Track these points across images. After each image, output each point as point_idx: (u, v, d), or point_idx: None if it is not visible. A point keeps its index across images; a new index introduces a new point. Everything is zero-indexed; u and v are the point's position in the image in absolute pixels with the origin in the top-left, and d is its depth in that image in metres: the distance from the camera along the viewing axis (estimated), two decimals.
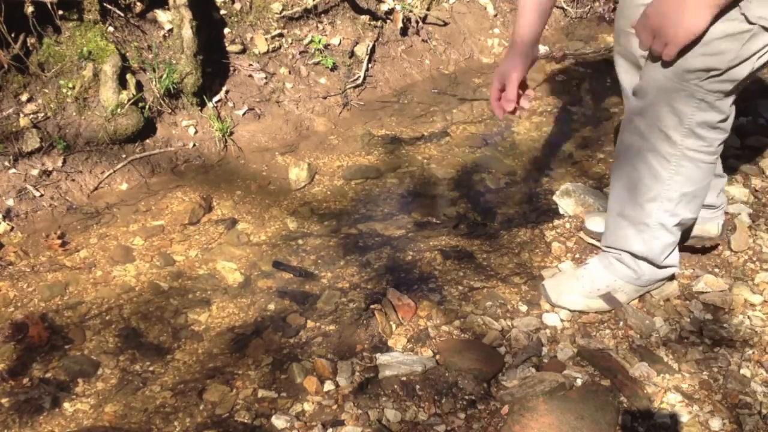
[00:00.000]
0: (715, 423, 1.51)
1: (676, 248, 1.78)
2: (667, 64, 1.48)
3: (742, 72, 1.48)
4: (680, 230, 1.73)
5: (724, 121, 1.57)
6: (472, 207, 2.37)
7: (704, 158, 1.60)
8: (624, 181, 1.71)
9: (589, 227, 2.06)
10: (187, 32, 2.64)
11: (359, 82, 3.09)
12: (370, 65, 3.17)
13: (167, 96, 2.64)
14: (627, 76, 1.75)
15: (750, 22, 1.41)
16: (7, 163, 2.31)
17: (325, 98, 2.99)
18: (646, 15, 1.46)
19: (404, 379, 1.65)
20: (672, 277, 1.87)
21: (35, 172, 2.34)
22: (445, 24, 3.46)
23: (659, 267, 1.76)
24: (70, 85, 2.50)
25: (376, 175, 2.56)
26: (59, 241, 2.15)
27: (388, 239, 2.20)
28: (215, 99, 2.76)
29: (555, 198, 2.26)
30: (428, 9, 3.44)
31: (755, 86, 3.03)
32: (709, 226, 1.91)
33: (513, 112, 1.71)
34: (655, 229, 1.69)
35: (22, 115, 2.39)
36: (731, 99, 1.55)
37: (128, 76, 2.56)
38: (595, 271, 1.84)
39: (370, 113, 2.98)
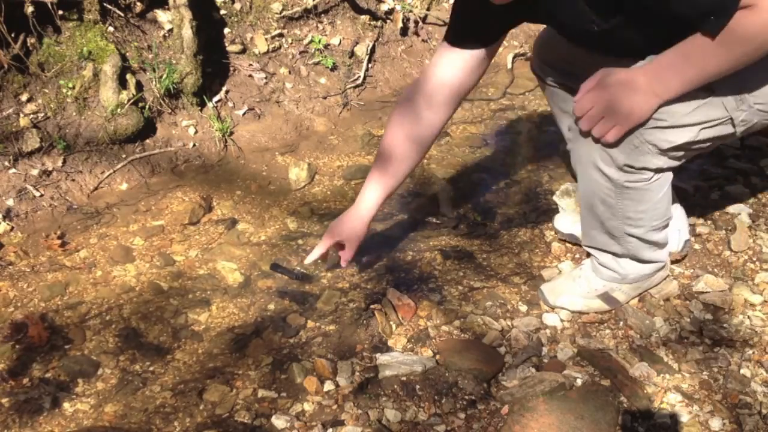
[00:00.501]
0: (715, 423, 1.51)
1: (663, 245, 1.78)
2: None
3: (682, 137, 1.47)
4: (655, 234, 1.71)
5: (653, 170, 1.54)
6: (472, 207, 2.37)
7: (645, 186, 1.57)
8: (584, 202, 1.70)
9: (557, 227, 2.08)
10: (187, 32, 2.64)
11: (359, 82, 3.09)
12: (370, 65, 3.17)
13: (167, 96, 2.64)
14: (558, 110, 1.76)
15: (710, 90, 1.42)
16: (7, 163, 2.31)
17: (325, 98, 2.99)
18: (593, 97, 1.44)
19: (404, 379, 1.65)
20: (668, 274, 1.88)
21: (35, 172, 2.34)
22: (445, 24, 3.46)
23: (644, 262, 1.76)
24: (70, 85, 2.50)
25: None
26: (58, 242, 2.15)
27: (388, 239, 2.20)
28: (215, 99, 2.76)
29: (555, 198, 2.26)
30: (428, 9, 3.44)
31: None
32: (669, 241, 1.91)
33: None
34: (624, 238, 1.70)
35: (22, 115, 2.39)
36: (665, 161, 1.52)
37: (128, 76, 2.56)
38: (590, 271, 1.84)
39: (370, 113, 2.98)
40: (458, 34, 1.68)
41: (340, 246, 1.90)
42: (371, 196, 1.85)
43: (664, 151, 1.49)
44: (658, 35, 1.37)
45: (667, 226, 1.74)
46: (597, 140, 1.48)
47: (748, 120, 1.49)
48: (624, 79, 1.42)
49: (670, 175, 1.62)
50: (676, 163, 1.56)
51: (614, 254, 1.75)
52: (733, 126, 1.50)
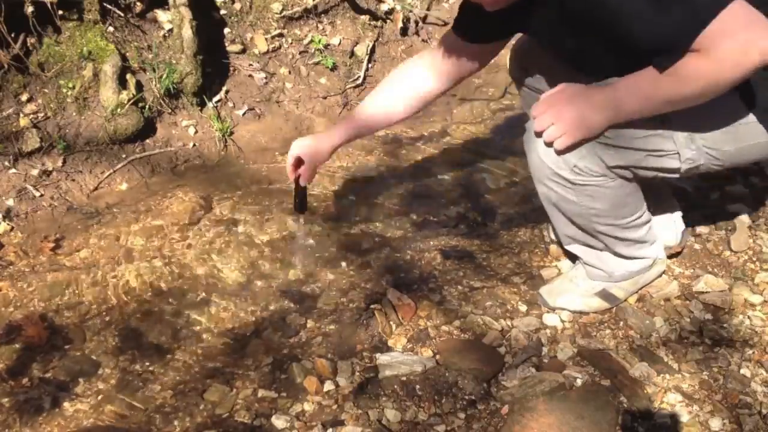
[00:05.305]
0: (715, 423, 1.51)
1: (646, 243, 1.78)
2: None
3: (626, 158, 1.51)
4: (633, 231, 1.71)
5: (600, 176, 1.55)
6: (472, 207, 2.37)
7: (601, 185, 1.57)
8: (546, 200, 1.70)
9: (554, 236, 2.07)
10: (187, 32, 2.64)
11: (359, 82, 3.09)
12: (370, 65, 3.17)
13: (167, 96, 2.64)
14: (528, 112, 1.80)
15: (664, 121, 1.45)
16: (7, 163, 2.31)
17: (325, 98, 2.99)
18: (553, 98, 1.49)
19: (404, 379, 1.65)
20: (664, 269, 1.88)
21: (35, 172, 2.34)
22: (445, 24, 3.46)
23: (626, 258, 1.76)
24: (70, 85, 2.50)
25: (376, 175, 2.56)
26: (51, 245, 2.13)
27: (388, 239, 2.20)
28: (215, 99, 2.76)
29: None
30: (428, 9, 3.44)
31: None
32: (666, 235, 1.91)
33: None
34: (598, 235, 1.70)
35: (22, 115, 2.39)
36: (612, 174, 1.54)
37: (128, 76, 2.56)
38: (585, 271, 1.85)
39: None
40: (459, 26, 1.77)
41: (299, 165, 1.96)
42: (343, 129, 1.95)
43: (609, 167, 1.53)
44: (625, 59, 1.39)
45: (645, 223, 1.74)
46: (549, 145, 1.51)
47: (695, 159, 1.53)
48: (581, 91, 1.47)
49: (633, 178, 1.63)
50: (626, 177, 1.58)
51: (594, 248, 1.76)
52: (680, 161, 1.53)
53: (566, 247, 1.85)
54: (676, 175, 1.59)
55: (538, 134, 1.53)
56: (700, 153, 1.52)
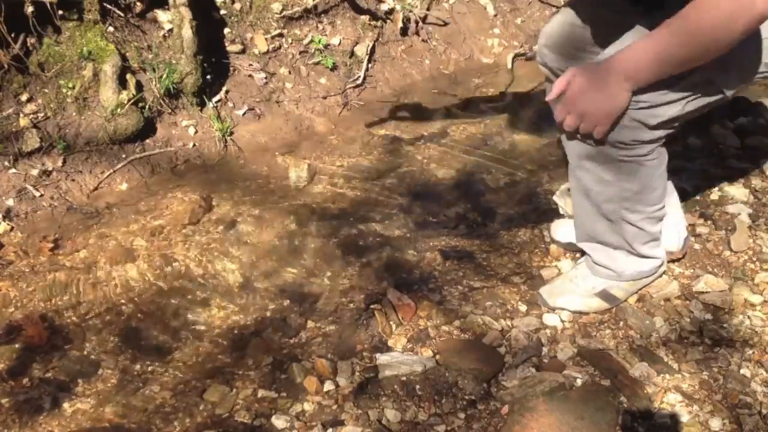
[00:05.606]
0: (715, 423, 1.51)
1: (659, 241, 1.78)
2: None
3: (670, 111, 1.47)
4: (651, 223, 1.71)
5: (646, 142, 1.54)
6: (472, 207, 2.37)
7: (640, 161, 1.57)
8: (578, 186, 1.69)
9: (555, 237, 2.08)
10: (187, 32, 2.64)
11: (359, 82, 3.09)
12: (370, 65, 3.17)
13: (167, 96, 2.64)
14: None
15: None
16: (7, 163, 2.31)
17: (325, 98, 2.99)
18: (568, 99, 1.45)
19: (404, 379, 1.65)
20: (665, 270, 1.88)
21: (35, 172, 2.34)
22: (445, 24, 3.46)
23: (639, 256, 1.76)
24: (70, 85, 2.50)
25: (376, 175, 2.56)
26: (51, 245, 2.13)
27: (388, 239, 2.20)
28: (215, 99, 2.76)
29: (555, 198, 2.26)
30: (428, 9, 3.44)
31: (756, 86, 3.03)
32: (669, 240, 1.91)
33: None
34: (620, 223, 1.69)
35: (22, 115, 2.39)
36: (657, 133, 1.52)
37: (128, 76, 2.56)
38: (587, 270, 1.84)
39: (370, 113, 2.98)
40: None
41: None
42: None
43: (653, 126, 1.49)
44: None
45: (661, 219, 1.74)
46: (588, 137, 1.49)
47: (733, 81, 1.47)
48: (589, 76, 1.42)
49: (664, 157, 1.62)
50: (669, 132, 1.54)
51: (609, 246, 1.75)
52: (722, 90, 1.48)
53: (579, 244, 1.85)
54: (726, 100, 1.53)
55: (572, 136, 1.50)
56: (734, 75, 1.47)
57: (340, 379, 1.67)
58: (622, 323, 1.80)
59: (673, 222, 1.90)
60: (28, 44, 2.46)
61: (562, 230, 2.07)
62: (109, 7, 2.61)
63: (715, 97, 1.49)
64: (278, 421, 1.56)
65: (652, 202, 1.67)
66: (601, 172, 1.59)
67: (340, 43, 3.14)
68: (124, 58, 2.58)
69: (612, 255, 1.77)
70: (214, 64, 2.80)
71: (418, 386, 1.64)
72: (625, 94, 1.41)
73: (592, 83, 1.42)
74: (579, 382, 1.63)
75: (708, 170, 2.37)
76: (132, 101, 2.49)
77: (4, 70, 2.38)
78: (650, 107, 1.45)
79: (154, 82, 2.61)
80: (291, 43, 3.06)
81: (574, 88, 1.44)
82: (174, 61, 2.66)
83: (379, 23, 3.27)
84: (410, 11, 3.35)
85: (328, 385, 1.65)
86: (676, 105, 1.47)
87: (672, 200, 1.91)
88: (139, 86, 2.59)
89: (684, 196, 2.15)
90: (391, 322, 1.84)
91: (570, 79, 1.45)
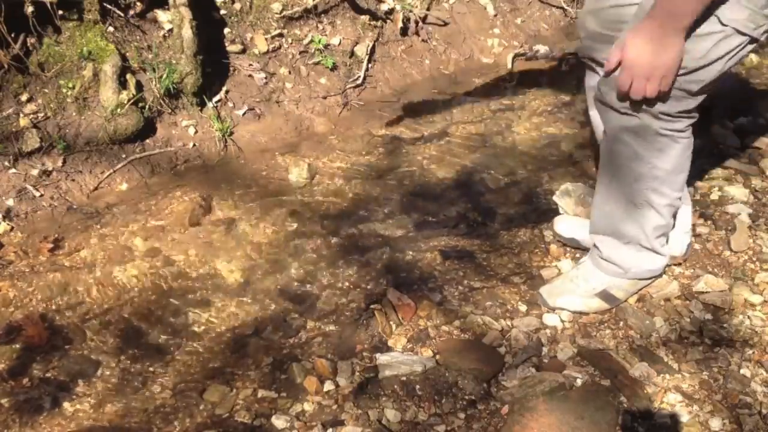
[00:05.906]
0: (715, 423, 1.51)
1: (667, 238, 1.78)
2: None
3: (711, 73, 1.49)
4: (670, 212, 1.73)
5: (687, 113, 1.57)
6: (472, 207, 2.37)
7: (675, 136, 1.60)
8: (609, 166, 1.71)
9: (558, 231, 2.08)
10: (187, 32, 2.64)
11: (359, 82, 3.09)
12: (370, 65, 3.17)
13: (167, 96, 2.64)
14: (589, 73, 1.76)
15: (722, 24, 1.42)
16: (7, 163, 2.31)
17: (325, 98, 2.99)
18: (631, 63, 1.45)
19: (404, 379, 1.65)
20: (664, 271, 1.88)
21: (35, 172, 2.34)
22: (445, 24, 3.46)
23: (649, 250, 1.76)
24: (70, 85, 2.50)
25: (376, 174, 2.56)
26: (51, 245, 2.13)
27: (388, 239, 2.20)
28: (215, 99, 2.76)
29: (555, 198, 2.26)
30: (428, 9, 3.44)
31: (756, 86, 3.03)
32: (672, 245, 1.91)
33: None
34: (643, 207, 1.70)
35: (22, 115, 2.39)
36: (698, 100, 1.55)
37: (128, 76, 2.56)
38: (588, 270, 1.84)
39: (370, 113, 2.98)
40: None
41: None
42: None
43: (695, 93, 1.51)
44: None
45: (676, 212, 1.75)
46: (641, 102, 1.50)
47: (761, 23, 1.47)
48: (632, 36, 1.43)
49: (692, 141, 1.65)
50: (704, 97, 1.57)
51: (621, 239, 1.75)
52: (755, 40, 1.48)
53: (591, 236, 1.85)
54: (758, 43, 1.54)
55: (624, 96, 1.51)
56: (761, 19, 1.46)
57: (340, 379, 1.67)
58: (622, 323, 1.80)
59: (679, 227, 1.91)
60: (28, 44, 2.46)
61: (564, 224, 2.07)
62: (109, 7, 2.61)
63: (748, 49, 1.50)
64: (278, 421, 1.56)
65: (677, 186, 1.69)
66: (638, 146, 1.60)
67: (340, 43, 3.14)
68: (124, 58, 2.58)
69: (621, 250, 1.77)
70: (214, 64, 2.79)
71: (418, 386, 1.64)
72: (680, 37, 1.41)
73: (647, 41, 1.42)
74: (579, 382, 1.63)
75: (708, 170, 2.38)
76: (132, 101, 2.49)
77: (4, 70, 2.38)
78: (692, 71, 1.46)
79: (154, 82, 2.61)
80: (291, 43, 3.06)
81: (632, 52, 1.44)
82: (174, 61, 2.66)
83: (379, 23, 3.27)
84: (410, 11, 3.35)
85: (328, 385, 1.65)
86: (718, 64, 1.47)
87: (686, 208, 1.91)
88: (139, 86, 2.59)
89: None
90: (391, 322, 1.84)
91: (623, 46, 1.46)
